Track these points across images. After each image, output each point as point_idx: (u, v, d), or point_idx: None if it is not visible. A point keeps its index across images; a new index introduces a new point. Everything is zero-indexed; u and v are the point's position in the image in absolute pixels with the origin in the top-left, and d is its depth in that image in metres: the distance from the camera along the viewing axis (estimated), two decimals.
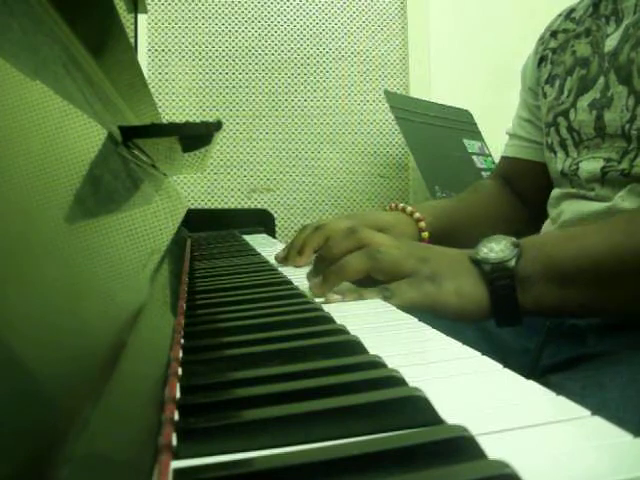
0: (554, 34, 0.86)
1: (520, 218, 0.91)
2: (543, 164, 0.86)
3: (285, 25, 2.08)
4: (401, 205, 0.83)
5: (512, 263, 0.53)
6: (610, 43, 0.73)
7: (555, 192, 0.81)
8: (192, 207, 1.72)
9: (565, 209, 0.77)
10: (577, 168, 0.74)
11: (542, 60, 0.87)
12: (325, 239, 0.70)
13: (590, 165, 0.72)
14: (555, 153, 0.80)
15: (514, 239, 0.55)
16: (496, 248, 0.54)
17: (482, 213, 0.90)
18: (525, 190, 0.92)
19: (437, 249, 0.58)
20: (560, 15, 0.87)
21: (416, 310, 0.49)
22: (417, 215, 0.81)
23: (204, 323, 0.43)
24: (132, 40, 1.46)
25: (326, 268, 0.55)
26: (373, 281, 0.54)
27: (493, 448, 0.21)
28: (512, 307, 0.54)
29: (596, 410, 0.24)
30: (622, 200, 0.68)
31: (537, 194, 0.87)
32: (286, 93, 2.08)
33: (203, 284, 0.60)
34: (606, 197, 0.70)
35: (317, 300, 0.51)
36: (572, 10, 0.85)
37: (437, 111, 2.01)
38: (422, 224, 0.80)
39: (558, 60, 0.82)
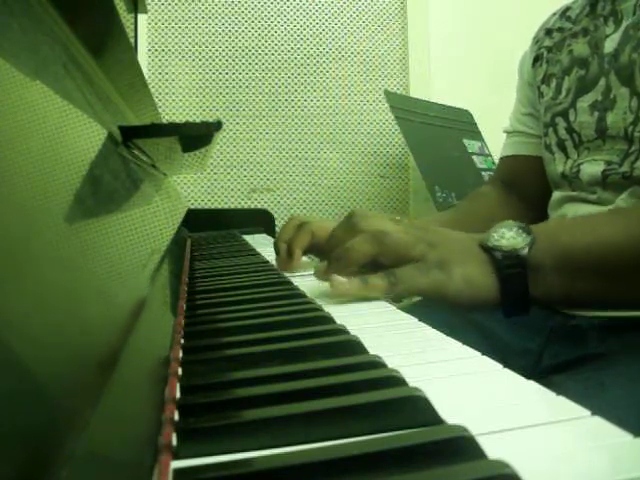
0: (549, 32, 0.84)
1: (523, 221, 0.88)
2: None
3: (285, 25, 2.08)
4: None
5: (525, 251, 0.52)
6: (610, 44, 0.72)
7: (556, 195, 0.80)
8: (192, 207, 1.72)
9: (567, 212, 0.76)
10: (578, 171, 0.74)
11: (537, 59, 0.85)
12: (311, 234, 0.68)
13: (591, 168, 0.72)
14: (553, 154, 0.79)
15: (525, 225, 0.54)
16: (507, 234, 0.53)
17: (481, 221, 0.87)
18: (531, 189, 0.88)
19: (445, 233, 0.56)
20: (555, 14, 0.86)
21: (423, 297, 0.48)
22: None
23: (204, 323, 0.43)
24: (132, 40, 1.46)
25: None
26: (378, 269, 0.52)
27: (493, 448, 0.21)
28: (522, 296, 0.53)
29: (598, 410, 0.24)
30: (624, 203, 0.68)
31: (544, 192, 0.84)
32: (286, 93, 2.08)
33: (203, 284, 0.60)
34: (608, 200, 0.70)
35: (320, 300, 0.51)
36: (567, 9, 0.83)
37: (437, 111, 2.01)
38: None
39: (554, 59, 0.81)
